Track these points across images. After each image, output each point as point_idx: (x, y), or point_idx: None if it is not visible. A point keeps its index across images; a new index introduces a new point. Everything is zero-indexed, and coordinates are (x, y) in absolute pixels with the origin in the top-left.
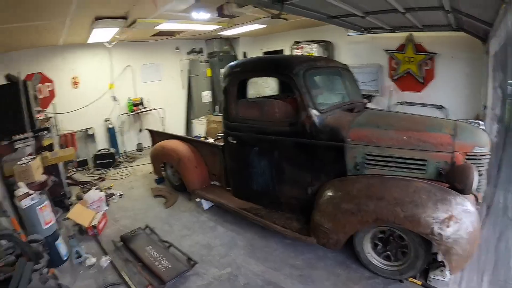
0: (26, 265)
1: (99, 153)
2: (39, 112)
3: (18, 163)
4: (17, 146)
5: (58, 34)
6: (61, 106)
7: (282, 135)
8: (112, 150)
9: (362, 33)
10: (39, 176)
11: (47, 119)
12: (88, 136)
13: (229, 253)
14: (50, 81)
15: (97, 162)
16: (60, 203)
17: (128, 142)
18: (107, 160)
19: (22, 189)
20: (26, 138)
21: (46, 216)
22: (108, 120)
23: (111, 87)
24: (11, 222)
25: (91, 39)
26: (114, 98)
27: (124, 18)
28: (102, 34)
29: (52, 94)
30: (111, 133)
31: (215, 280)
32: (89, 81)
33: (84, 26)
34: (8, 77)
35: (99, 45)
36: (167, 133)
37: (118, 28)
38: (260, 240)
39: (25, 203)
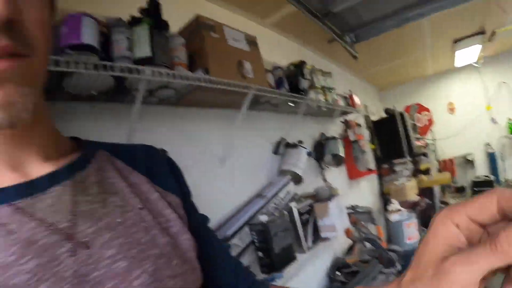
0: (376, 266)
1: (476, 179)
2: (418, 139)
3: (395, 182)
4: (396, 168)
5: (423, 65)
6: (439, 132)
7: None
8: (491, 177)
9: None
10: (412, 196)
11: (425, 145)
12: (467, 162)
13: None
14: (426, 110)
15: (474, 189)
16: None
17: (510, 169)
18: (485, 188)
19: (395, 205)
20: (405, 162)
21: (410, 232)
22: (488, 145)
23: (488, 108)
24: (377, 229)
25: (457, 63)
26: (493, 120)
27: (481, 33)
28: (466, 55)
29: (430, 122)
30: (491, 159)
31: None
32: (463, 104)
33: (445, 52)
34: (387, 111)
35: (467, 67)
36: None
37: (479, 45)
38: None
39: (394, 217)
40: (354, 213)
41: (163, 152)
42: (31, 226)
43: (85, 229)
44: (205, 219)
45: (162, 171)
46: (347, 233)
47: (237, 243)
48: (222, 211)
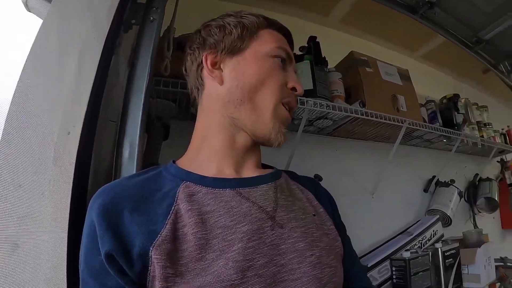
0: None
1: None
2: None
3: None
4: None
5: None
6: None
7: None
8: None
9: None
10: None
11: None
12: None
13: None
14: None
15: None
16: None
17: None
18: None
19: None
20: None
21: None
22: None
23: None
24: None
25: None
26: None
27: None
28: None
29: None
30: None
31: None
32: None
33: None
34: None
35: None
36: None
37: None
38: None
39: None
40: (504, 266)
41: (318, 177)
42: (248, 205)
43: (282, 215)
44: (349, 240)
45: (324, 197)
46: None
47: (375, 276)
48: (366, 241)
